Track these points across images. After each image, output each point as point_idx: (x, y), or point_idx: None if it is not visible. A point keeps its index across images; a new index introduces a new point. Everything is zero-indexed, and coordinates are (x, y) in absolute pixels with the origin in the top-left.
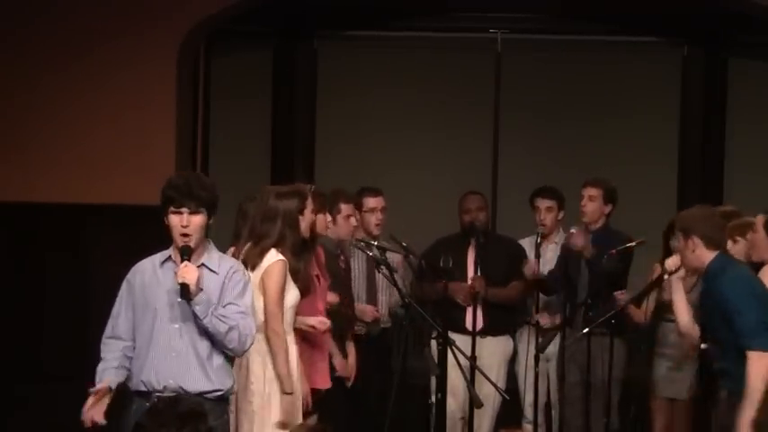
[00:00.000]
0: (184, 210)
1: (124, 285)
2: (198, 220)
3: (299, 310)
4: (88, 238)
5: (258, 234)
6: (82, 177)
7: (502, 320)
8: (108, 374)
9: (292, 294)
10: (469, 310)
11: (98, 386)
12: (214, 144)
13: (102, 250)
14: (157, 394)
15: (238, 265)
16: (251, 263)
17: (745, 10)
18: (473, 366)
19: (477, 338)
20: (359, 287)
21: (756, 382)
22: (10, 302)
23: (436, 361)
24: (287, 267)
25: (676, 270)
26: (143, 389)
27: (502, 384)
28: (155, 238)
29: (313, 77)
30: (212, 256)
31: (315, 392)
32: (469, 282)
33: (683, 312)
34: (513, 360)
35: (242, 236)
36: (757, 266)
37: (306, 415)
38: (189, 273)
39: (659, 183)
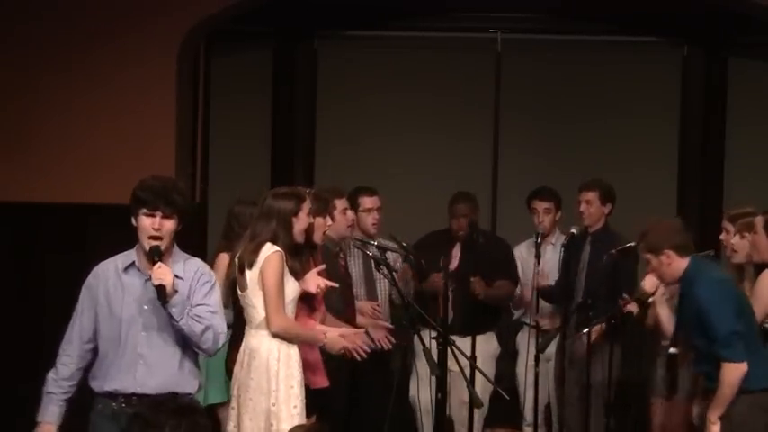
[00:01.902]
0: (158, 213)
1: (84, 287)
2: (170, 225)
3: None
4: (89, 238)
5: (253, 234)
6: (82, 177)
7: (476, 319)
8: (50, 414)
9: (291, 287)
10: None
11: None
12: (214, 144)
13: (102, 250)
14: (122, 399)
15: (204, 266)
16: (247, 261)
17: (746, 10)
18: (473, 366)
19: (456, 337)
20: (357, 288)
21: (727, 389)
22: (11, 302)
23: (436, 361)
24: (284, 259)
25: (656, 290)
26: (110, 391)
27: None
28: None
29: (313, 77)
30: (178, 262)
31: (314, 392)
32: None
33: (671, 332)
34: (504, 359)
35: (230, 238)
36: (760, 267)
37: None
38: (164, 274)
39: (659, 183)
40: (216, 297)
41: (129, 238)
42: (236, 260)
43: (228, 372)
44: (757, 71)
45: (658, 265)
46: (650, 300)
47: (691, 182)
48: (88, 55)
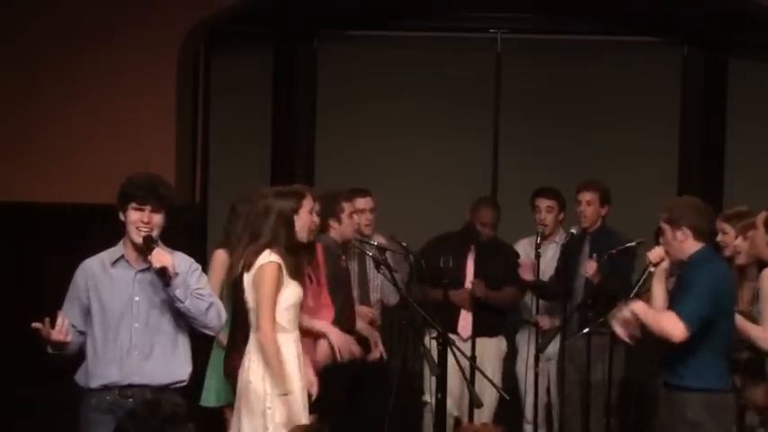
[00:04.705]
0: (147, 207)
1: (71, 284)
2: (158, 219)
3: None
4: (88, 238)
5: (253, 233)
6: (82, 177)
7: (490, 322)
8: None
9: (291, 292)
10: (463, 314)
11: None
12: (214, 144)
13: (102, 250)
14: (118, 390)
15: (187, 257)
16: (248, 263)
17: (745, 10)
18: (473, 367)
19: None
20: (353, 287)
21: (656, 322)
22: (10, 302)
23: (436, 361)
24: (280, 270)
25: (660, 261)
26: (105, 384)
27: (498, 384)
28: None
29: (313, 77)
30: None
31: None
32: (468, 285)
33: (660, 305)
34: (508, 359)
35: (231, 235)
36: (762, 267)
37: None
38: (163, 257)
39: (659, 183)
40: (206, 281)
41: None
42: (241, 261)
43: (226, 372)
44: (757, 71)
45: (671, 239)
46: (651, 270)
47: (691, 182)
48: (88, 55)
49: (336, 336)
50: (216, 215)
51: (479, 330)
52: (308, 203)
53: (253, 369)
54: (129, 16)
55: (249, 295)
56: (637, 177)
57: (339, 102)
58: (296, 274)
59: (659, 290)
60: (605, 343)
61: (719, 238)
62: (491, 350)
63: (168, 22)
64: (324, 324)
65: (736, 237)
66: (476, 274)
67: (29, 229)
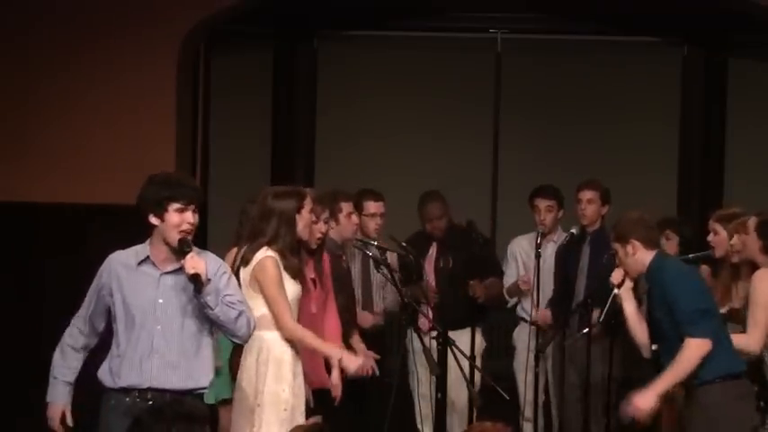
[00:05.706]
0: (190, 207)
1: (96, 277)
2: (196, 218)
3: None
4: (89, 239)
5: (254, 233)
6: (82, 178)
7: (455, 315)
8: (60, 396)
9: (289, 289)
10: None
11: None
12: (214, 144)
13: (102, 251)
14: (137, 393)
15: (217, 258)
16: (245, 259)
17: (746, 10)
18: (472, 366)
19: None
20: (355, 288)
21: (683, 364)
22: (10, 302)
23: (436, 361)
24: (278, 263)
25: (622, 282)
26: (124, 386)
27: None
28: None
29: (313, 77)
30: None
31: (316, 392)
32: (428, 279)
33: (637, 327)
34: (497, 355)
35: (240, 236)
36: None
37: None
38: (198, 263)
39: (659, 183)
40: (236, 284)
41: (128, 239)
42: (239, 257)
43: (232, 370)
44: (757, 71)
45: (624, 256)
46: (616, 292)
47: (691, 182)
48: (88, 55)
49: (352, 362)
50: (216, 215)
51: (451, 325)
52: (308, 204)
53: (246, 366)
54: (129, 16)
55: (245, 291)
56: (637, 177)
57: (339, 102)
58: (294, 274)
59: (630, 309)
60: (604, 343)
61: (710, 237)
62: (463, 342)
63: (168, 22)
64: (335, 351)
65: (731, 235)
66: (435, 270)
67: (29, 230)
